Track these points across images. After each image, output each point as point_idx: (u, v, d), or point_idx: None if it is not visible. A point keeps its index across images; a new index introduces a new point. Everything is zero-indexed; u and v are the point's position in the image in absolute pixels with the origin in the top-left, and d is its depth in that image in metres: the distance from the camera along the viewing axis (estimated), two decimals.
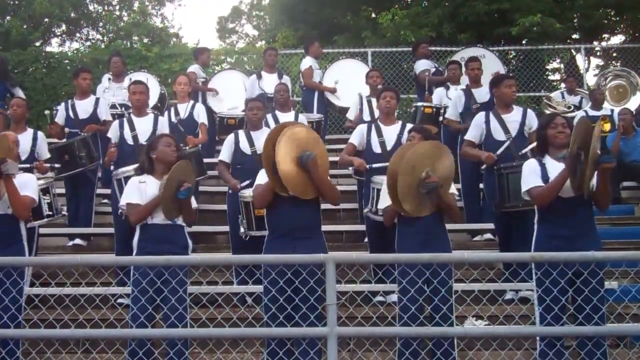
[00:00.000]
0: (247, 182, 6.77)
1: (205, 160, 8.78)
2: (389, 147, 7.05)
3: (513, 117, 7.16)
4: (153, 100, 9.90)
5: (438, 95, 10.10)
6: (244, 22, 29.28)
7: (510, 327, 5.70)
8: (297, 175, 5.31)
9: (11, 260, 5.11)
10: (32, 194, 5.69)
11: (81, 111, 8.89)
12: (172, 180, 5.45)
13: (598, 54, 18.02)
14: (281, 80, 10.45)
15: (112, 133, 7.88)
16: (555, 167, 5.25)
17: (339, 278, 4.57)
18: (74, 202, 8.62)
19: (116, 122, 8.02)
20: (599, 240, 5.34)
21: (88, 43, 21.11)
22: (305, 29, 18.25)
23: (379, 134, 7.19)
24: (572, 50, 16.41)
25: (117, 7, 21.88)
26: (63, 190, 8.88)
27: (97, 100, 9.10)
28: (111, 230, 8.35)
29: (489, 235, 8.32)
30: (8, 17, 18.95)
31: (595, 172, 5.07)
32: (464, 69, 9.79)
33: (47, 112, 9.84)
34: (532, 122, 7.11)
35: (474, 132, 7.32)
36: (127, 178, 6.62)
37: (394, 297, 6.59)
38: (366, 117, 9.16)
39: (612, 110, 10.79)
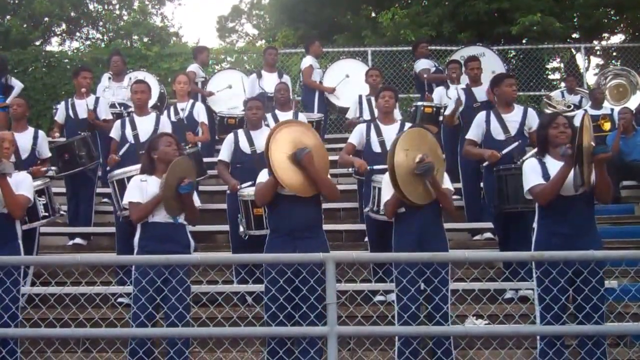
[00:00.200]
0: (249, 183, 6.76)
1: (206, 159, 8.78)
2: (389, 147, 7.04)
3: (513, 117, 7.15)
4: (152, 99, 9.89)
5: (438, 94, 10.11)
6: (244, 22, 29.30)
7: (510, 326, 5.71)
8: (293, 172, 5.31)
9: (11, 259, 5.11)
10: (27, 193, 5.71)
11: (81, 111, 8.88)
12: (171, 176, 5.45)
13: (598, 53, 18.02)
14: (281, 79, 10.45)
15: (114, 132, 7.91)
16: (555, 166, 5.25)
17: (339, 277, 4.57)
18: (74, 201, 8.62)
19: (118, 122, 8.05)
20: (599, 239, 5.34)
21: (88, 42, 21.15)
22: (305, 28, 18.25)
23: (379, 133, 7.19)
24: (572, 50, 16.42)
25: (117, 6, 21.90)
26: (63, 190, 8.90)
27: (97, 99, 9.10)
28: (111, 229, 8.37)
29: (489, 235, 8.31)
30: (8, 17, 18.96)
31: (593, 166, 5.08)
32: (463, 68, 9.78)
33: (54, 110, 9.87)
34: (533, 121, 7.10)
35: (475, 131, 7.32)
36: (122, 180, 6.62)
37: (394, 296, 6.59)
38: (366, 116, 9.17)
39: (612, 110, 10.81)
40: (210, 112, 10.36)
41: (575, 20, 16.92)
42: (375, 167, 6.87)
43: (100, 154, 8.81)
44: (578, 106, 11.88)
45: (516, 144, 6.99)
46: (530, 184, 5.34)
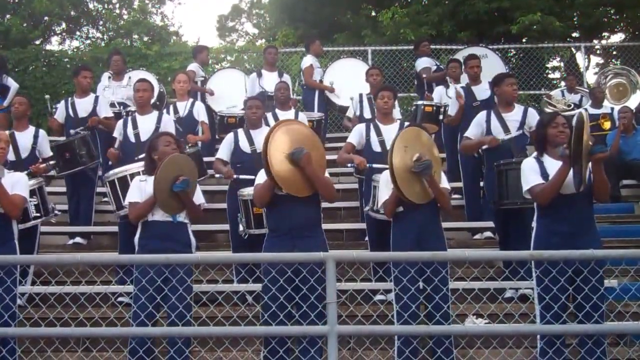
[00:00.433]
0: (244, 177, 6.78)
1: (206, 159, 8.78)
2: (388, 146, 7.04)
3: (514, 116, 7.17)
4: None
5: (438, 93, 10.11)
6: (244, 21, 29.32)
7: (510, 325, 5.71)
8: (290, 173, 5.31)
9: (11, 259, 5.11)
10: (23, 192, 5.71)
11: (81, 110, 8.88)
12: (163, 175, 5.43)
13: (598, 52, 18.00)
14: (281, 78, 10.46)
15: (117, 132, 7.92)
16: (554, 166, 5.25)
17: (339, 276, 4.57)
18: (75, 200, 8.62)
19: (121, 121, 8.05)
20: (598, 237, 5.34)
21: (88, 41, 21.13)
22: (305, 27, 18.25)
23: (378, 133, 7.18)
24: (572, 49, 16.41)
25: (117, 6, 21.87)
26: (64, 189, 8.91)
27: (97, 98, 9.09)
28: (111, 228, 8.38)
29: (489, 234, 8.32)
30: (8, 16, 18.94)
31: (590, 165, 5.09)
32: (463, 67, 9.78)
33: (47, 96, 9.86)
34: (533, 120, 7.08)
35: (473, 130, 7.33)
36: (119, 179, 6.61)
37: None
38: (367, 114, 9.17)
39: (612, 109, 10.82)
40: (210, 111, 10.36)
41: (575, 19, 16.92)
42: (375, 165, 6.87)
43: (100, 153, 8.81)
44: (578, 105, 11.88)
45: (513, 135, 7.00)
46: (530, 184, 5.34)
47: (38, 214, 6.95)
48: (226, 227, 7.63)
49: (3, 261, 4.98)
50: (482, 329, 5.48)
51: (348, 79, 10.94)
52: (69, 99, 9.14)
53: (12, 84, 10.99)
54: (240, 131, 7.49)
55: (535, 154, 5.52)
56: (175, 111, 9.20)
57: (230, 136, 7.46)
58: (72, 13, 20.63)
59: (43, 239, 7.92)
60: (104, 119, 8.88)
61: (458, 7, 16.00)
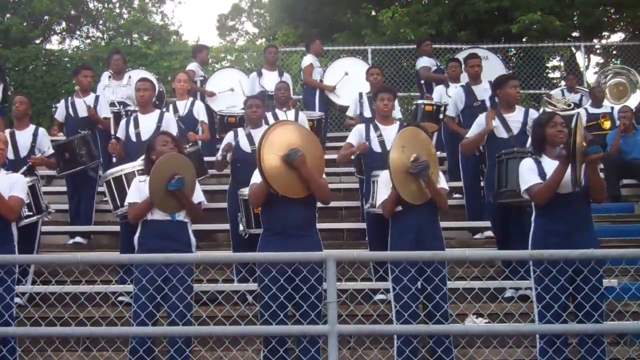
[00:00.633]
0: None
1: (206, 158, 8.78)
2: (388, 146, 7.03)
3: (515, 117, 7.16)
4: None
5: (438, 93, 10.12)
6: (244, 20, 29.28)
7: (511, 324, 5.71)
8: (284, 174, 5.28)
9: (11, 258, 5.12)
10: (20, 194, 5.70)
11: (81, 109, 8.88)
12: (157, 174, 5.42)
13: (598, 51, 18.01)
14: (282, 78, 10.46)
15: (120, 132, 7.93)
16: (551, 165, 5.25)
17: (340, 276, 4.57)
18: (75, 200, 8.62)
19: (123, 121, 8.05)
20: (596, 237, 5.36)
21: (88, 41, 21.09)
22: (306, 26, 18.25)
23: (378, 133, 7.17)
24: (572, 48, 16.42)
25: (117, 5, 21.85)
26: (64, 189, 8.91)
27: (97, 97, 9.09)
28: (111, 228, 8.38)
29: (489, 233, 8.30)
30: (8, 15, 18.93)
31: (584, 165, 5.10)
32: (463, 66, 9.76)
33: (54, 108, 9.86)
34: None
35: (475, 130, 7.33)
36: (114, 179, 6.60)
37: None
38: (367, 114, 9.16)
39: (612, 108, 10.81)
40: (209, 110, 10.36)
41: (575, 18, 16.92)
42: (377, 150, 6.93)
43: (101, 152, 8.81)
44: (578, 105, 11.88)
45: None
46: (528, 184, 5.36)
47: (30, 213, 6.87)
48: (226, 226, 7.63)
49: (3, 261, 4.98)
50: (482, 329, 5.48)
51: (348, 79, 10.94)
52: (69, 98, 9.13)
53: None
54: (240, 130, 7.48)
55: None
56: (175, 110, 9.19)
57: (230, 135, 7.45)
58: (72, 12, 20.62)
59: (43, 239, 7.92)
60: (103, 119, 8.88)
61: (458, 7, 16.00)
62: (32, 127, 8.04)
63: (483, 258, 6.38)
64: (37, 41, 19.62)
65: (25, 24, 18.67)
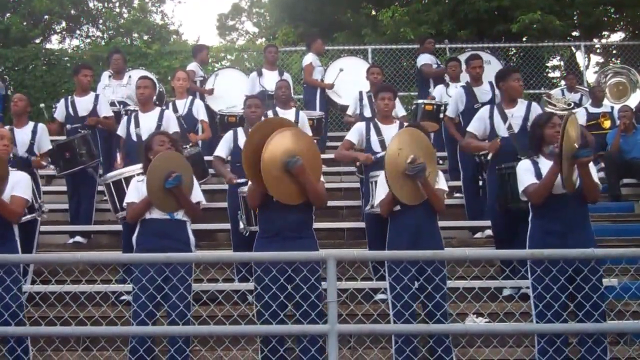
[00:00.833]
0: (244, 180, 6.75)
1: (207, 157, 8.77)
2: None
3: (517, 113, 6.99)
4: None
5: (438, 92, 10.12)
6: (244, 20, 29.27)
7: (511, 324, 5.71)
8: (282, 181, 5.24)
9: (11, 257, 5.11)
10: (24, 193, 5.66)
11: (81, 108, 8.88)
12: (155, 172, 5.41)
13: (598, 51, 18.00)
14: (282, 77, 10.45)
15: (121, 130, 7.93)
16: (548, 166, 5.29)
17: (340, 275, 4.57)
18: (75, 199, 8.61)
19: (124, 120, 8.05)
20: (593, 236, 5.36)
21: (88, 40, 21.09)
22: (306, 26, 18.25)
23: (378, 132, 7.14)
24: (572, 48, 16.42)
25: (117, 4, 21.85)
26: (64, 188, 8.91)
27: (97, 96, 9.07)
28: (111, 227, 8.38)
29: (489, 232, 8.30)
30: (8, 14, 18.93)
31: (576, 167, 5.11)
32: (464, 66, 9.73)
33: (42, 105, 9.83)
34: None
35: (476, 124, 7.21)
36: (114, 183, 6.59)
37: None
38: (367, 113, 9.16)
39: (612, 108, 10.82)
40: (209, 110, 10.35)
41: (575, 18, 16.91)
42: (379, 155, 6.84)
43: (101, 152, 8.81)
44: (578, 104, 11.88)
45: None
46: (524, 185, 5.40)
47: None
48: (227, 226, 7.63)
49: (4, 260, 4.98)
50: (482, 328, 5.48)
51: (349, 78, 10.94)
52: (69, 97, 9.11)
53: None
54: (240, 130, 7.47)
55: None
56: (175, 110, 9.18)
57: (229, 134, 7.44)
58: (72, 12, 20.61)
59: (43, 238, 7.92)
60: (104, 119, 8.88)
61: (458, 6, 15.99)
62: (31, 124, 8.06)
63: (483, 257, 6.38)
64: (37, 41, 19.63)
65: (25, 23, 18.67)
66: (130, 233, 6.30)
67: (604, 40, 18.35)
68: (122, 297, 6.62)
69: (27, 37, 18.12)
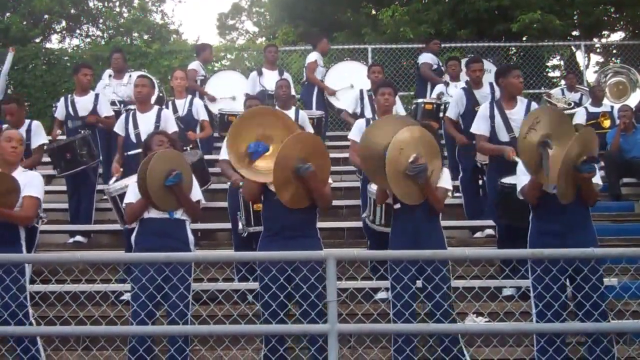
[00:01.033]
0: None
1: (206, 157, 8.77)
2: None
3: (517, 114, 6.91)
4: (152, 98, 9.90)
5: (438, 91, 10.12)
6: (244, 19, 29.26)
7: (511, 323, 5.71)
8: (291, 186, 5.23)
9: (11, 257, 5.11)
10: (35, 193, 5.63)
11: (81, 108, 8.87)
12: (154, 170, 5.40)
13: (598, 50, 17.99)
14: (282, 77, 10.45)
15: (119, 128, 7.92)
16: None
17: (340, 275, 4.57)
18: (75, 199, 8.61)
19: (122, 117, 8.03)
20: (593, 237, 5.35)
21: (88, 40, 21.08)
22: (306, 25, 18.25)
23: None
24: (572, 47, 16.40)
25: (117, 4, 21.84)
26: (64, 188, 8.91)
27: (97, 96, 9.06)
28: (111, 227, 8.38)
29: (489, 232, 8.31)
30: (8, 14, 18.93)
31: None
32: (464, 69, 9.70)
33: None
34: None
35: (482, 125, 7.10)
36: (120, 196, 6.54)
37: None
38: (367, 112, 9.16)
39: (612, 107, 10.83)
40: (207, 110, 10.36)
41: (575, 17, 16.91)
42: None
43: (100, 151, 8.81)
44: (578, 104, 11.88)
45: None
46: (521, 184, 5.42)
47: None
48: (227, 225, 7.63)
49: (4, 260, 4.97)
50: (482, 328, 5.49)
51: (347, 82, 10.93)
52: (69, 96, 9.10)
53: None
54: None
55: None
56: (175, 110, 9.17)
57: None
58: (72, 11, 20.60)
59: (43, 238, 7.90)
60: (104, 118, 8.87)
61: (458, 6, 15.98)
62: (26, 122, 8.10)
63: (483, 257, 6.38)
64: (37, 40, 19.61)
65: (25, 22, 18.67)
66: (131, 233, 6.30)
67: (604, 40, 18.35)
68: (122, 297, 6.62)
69: (27, 37, 18.11)
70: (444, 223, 5.91)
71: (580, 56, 15.78)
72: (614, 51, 17.27)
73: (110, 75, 10.52)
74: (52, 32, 21.47)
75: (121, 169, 7.53)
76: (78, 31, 21.74)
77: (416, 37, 14.69)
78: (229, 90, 11.12)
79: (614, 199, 9.29)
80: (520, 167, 5.49)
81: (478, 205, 8.34)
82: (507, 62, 14.86)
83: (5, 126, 8.13)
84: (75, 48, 18.98)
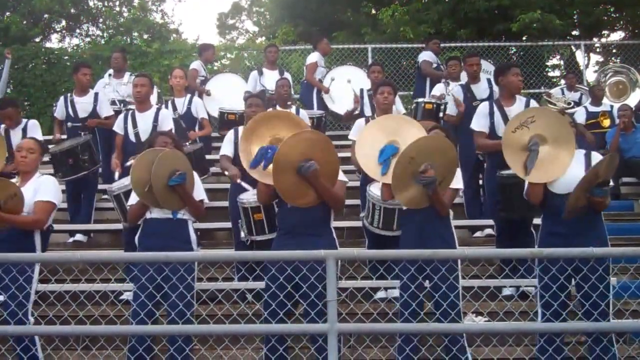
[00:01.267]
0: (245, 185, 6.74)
1: (206, 157, 8.78)
2: None
3: (516, 110, 6.86)
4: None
5: (438, 91, 10.12)
6: (244, 18, 29.27)
7: (510, 323, 5.71)
8: (295, 185, 5.21)
9: (11, 257, 5.10)
10: (47, 197, 5.61)
11: (80, 109, 8.87)
12: (158, 170, 5.40)
13: (598, 50, 18.02)
14: (282, 76, 10.46)
15: (118, 126, 7.91)
16: None
17: (340, 274, 4.57)
18: (75, 198, 8.60)
19: (121, 116, 8.03)
20: (603, 237, 5.33)
21: (88, 39, 21.07)
22: (306, 25, 18.28)
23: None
24: (572, 47, 16.42)
25: (117, 3, 21.83)
26: (63, 187, 8.89)
27: (96, 95, 9.04)
28: (111, 226, 8.38)
29: (489, 231, 8.31)
30: (8, 13, 18.92)
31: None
32: (463, 64, 9.74)
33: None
34: None
35: (482, 121, 7.08)
36: (125, 194, 6.52)
37: (394, 293, 6.58)
38: (367, 111, 9.17)
39: (611, 107, 10.83)
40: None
41: (575, 17, 16.93)
42: None
43: (101, 151, 8.80)
44: (578, 103, 11.90)
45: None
46: (526, 185, 5.42)
47: None
48: (226, 225, 7.62)
49: (4, 259, 4.97)
50: (481, 327, 5.48)
51: (345, 87, 10.93)
52: (69, 95, 9.08)
53: None
54: (241, 128, 7.44)
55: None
56: (174, 108, 9.18)
57: (230, 134, 7.41)
58: (72, 11, 20.58)
59: None
60: (104, 119, 8.87)
61: (458, 5, 16.01)
62: (23, 121, 8.22)
63: (482, 256, 6.37)
64: (37, 39, 19.61)
65: (25, 22, 18.66)
66: (130, 233, 6.30)
67: (603, 40, 18.38)
68: (122, 297, 6.62)
69: (27, 36, 18.10)
70: None
71: (580, 56, 15.80)
72: (614, 51, 17.31)
73: (110, 75, 10.53)
74: (52, 32, 21.48)
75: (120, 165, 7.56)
76: (78, 30, 21.74)
77: (416, 36, 14.72)
78: (227, 90, 11.10)
79: (613, 199, 9.26)
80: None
81: (478, 204, 8.35)
82: (508, 61, 14.88)
83: (2, 126, 8.22)
84: (75, 47, 18.96)
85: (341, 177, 5.47)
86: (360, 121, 7.41)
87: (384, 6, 16.00)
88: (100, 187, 8.97)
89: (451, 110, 8.84)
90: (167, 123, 7.83)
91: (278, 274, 4.98)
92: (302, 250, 4.90)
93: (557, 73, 17.86)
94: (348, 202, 8.80)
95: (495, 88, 7.98)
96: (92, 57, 15.01)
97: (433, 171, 5.21)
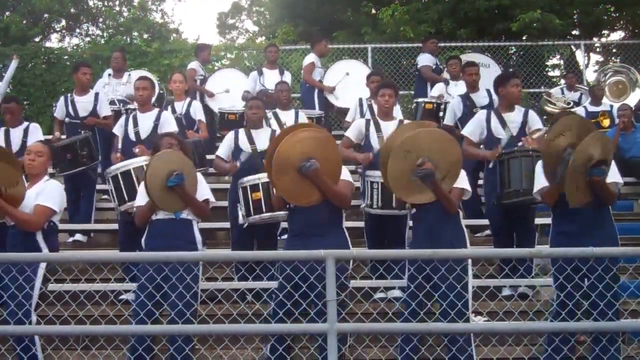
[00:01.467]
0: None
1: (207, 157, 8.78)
2: None
3: (514, 117, 7.02)
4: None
5: (438, 90, 10.12)
6: (244, 18, 29.20)
7: (510, 323, 5.70)
8: (297, 185, 5.22)
9: (11, 256, 5.11)
10: (47, 202, 5.61)
11: (81, 109, 8.87)
12: (156, 172, 5.40)
13: (598, 50, 18.00)
14: (282, 76, 10.49)
15: (117, 129, 7.92)
16: None
17: (339, 274, 4.56)
18: (75, 198, 8.60)
19: (122, 119, 8.05)
20: (612, 237, 5.37)
21: (88, 39, 21.05)
22: (305, 25, 18.26)
23: (378, 129, 7.13)
24: (572, 47, 16.40)
25: (117, 3, 21.81)
26: (63, 186, 8.89)
27: (97, 95, 9.06)
28: (111, 226, 8.38)
29: (489, 232, 8.30)
30: (7, 13, 18.90)
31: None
32: (461, 73, 9.70)
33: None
34: (534, 122, 7.05)
35: (472, 128, 7.20)
36: (122, 174, 6.56)
37: (394, 293, 6.59)
38: (367, 117, 9.14)
39: (611, 106, 10.83)
40: (207, 109, 10.37)
41: (575, 17, 16.92)
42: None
43: (100, 150, 8.80)
44: (578, 103, 11.90)
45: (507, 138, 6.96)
46: (538, 187, 5.43)
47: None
48: (226, 225, 7.62)
49: (4, 259, 4.97)
50: (481, 327, 5.48)
51: (347, 81, 10.92)
52: (69, 95, 9.09)
53: None
54: (241, 131, 7.46)
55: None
56: (173, 111, 9.21)
57: (230, 135, 7.44)
58: (72, 10, 20.57)
59: None
60: (103, 119, 8.88)
61: (458, 5, 15.99)
62: (25, 123, 8.23)
63: (482, 256, 6.37)
64: (37, 39, 19.60)
65: (24, 21, 18.65)
66: (127, 233, 6.31)
67: (603, 39, 18.36)
68: (121, 297, 6.62)
69: (26, 36, 18.10)
70: None
71: (580, 55, 15.79)
72: (614, 50, 17.29)
73: (109, 75, 10.53)
74: (52, 31, 21.47)
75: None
76: (78, 30, 21.72)
77: (416, 36, 14.70)
78: (225, 85, 11.09)
79: None
80: (538, 167, 5.50)
81: (478, 204, 8.34)
82: (507, 61, 14.88)
83: (2, 129, 8.24)
84: (75, 47, 18.95)
85: (347, 177, 5.49)
86: (360, 121, 7.40)
87: (384, 6, 15.98)
88: (99, 187, 8.98)
89: (448, 119, 8.78)
90: (169, 124, 7.83)
91: (287, 274, 4.98)
92: (302, 250, 4.91)
93: (557, 73, 17.85)
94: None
95: (495, 97, 7.99)
96: (92, 56, 15.00)
97: (430, 164, 5.23)
